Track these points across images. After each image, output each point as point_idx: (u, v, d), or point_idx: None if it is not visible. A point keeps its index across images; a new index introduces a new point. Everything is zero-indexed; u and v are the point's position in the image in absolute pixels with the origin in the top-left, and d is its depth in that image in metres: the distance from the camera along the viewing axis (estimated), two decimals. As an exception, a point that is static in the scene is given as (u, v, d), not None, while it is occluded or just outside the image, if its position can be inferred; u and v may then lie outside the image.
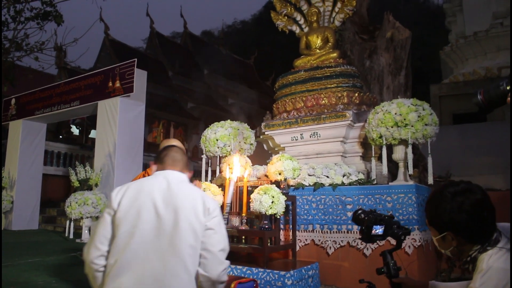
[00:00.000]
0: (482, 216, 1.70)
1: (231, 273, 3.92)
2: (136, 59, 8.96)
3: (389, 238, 1.94)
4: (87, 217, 8.04)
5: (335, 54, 6.40)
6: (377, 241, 4.30)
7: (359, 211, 2.08)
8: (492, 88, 1.79)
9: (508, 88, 1.72)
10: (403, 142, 4.67)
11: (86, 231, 8.08)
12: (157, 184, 1.97)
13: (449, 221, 1.72)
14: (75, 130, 19.42)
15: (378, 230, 2.03)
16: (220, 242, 1.96)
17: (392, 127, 4.63)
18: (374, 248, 4.39)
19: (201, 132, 6.14)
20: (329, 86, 6.03)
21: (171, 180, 2.00)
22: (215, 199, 4.38)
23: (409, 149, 4.62)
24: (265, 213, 3.93)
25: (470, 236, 1.71)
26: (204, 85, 22.08)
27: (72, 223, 8.47)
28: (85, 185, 8.45)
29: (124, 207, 1.88)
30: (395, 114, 4.63)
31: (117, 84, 8.90)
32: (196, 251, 1.89)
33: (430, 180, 4.73)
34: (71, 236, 8.35)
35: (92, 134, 17.84)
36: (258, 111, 15.14)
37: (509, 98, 1.72)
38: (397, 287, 2.06)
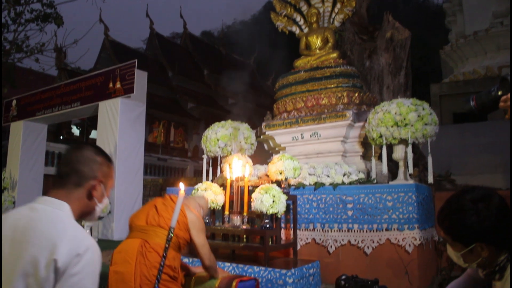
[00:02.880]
0: (507, 219, 1.65)
1: (232, 271, 3.94)
2: (136, 60, 9.00)
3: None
4: (89, 217, 8.06)
5: (335, 55, 6.43)
6: (378, 241, 4.36)
7: (342, 277, 1.96)
8: (483, 94, 1.81)
9: (499, 93, 1.73)
10: (403, 141, 4.70)
11: (87, 231, 8.10)
12: None
13: (480, 231, 1.64)
14: (75, 131, 19.46)
15: None
16: None
17: (392, 126, 4.66)
18: (375, 247, 4.41)
19: (201, 132, 6.17)
20: (329, 86, 6.05)
21: None
22: (217, 198, 4.41)
23: (409, 148, 4.65)
24: (266, 212, 3.96)
25: (501, 242, 1.65)
26: (204, 85, 22.13)
27: (73, 223, 8.50)
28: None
29: None
30: (395, 113, 4.66)
31: (118, 85, 8.93)
32: None
33: (430, 179, 4.76)
34: (73, 236, 8.37)
35: (93, 134, 17.88)
36: (258, 111, 15.16)
37: (501, 103, 1.73)
38: None
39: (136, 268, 2.86)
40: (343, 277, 1.92)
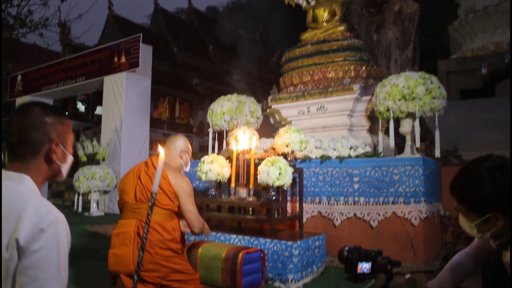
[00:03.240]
0: None
1: (238, 243, 3.96)
2: (141, 34, 8.93)
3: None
4: (95, 191, 8.13)
5: (342, 28, 6.34)
6: (384, 214, 4.36)
7: (345, 248, 1.93)
8: (497, 61, 1.76)
9: None
10: (411, 115, 4.66)
11: (94, 205, 8.18)
12: None
13: (496, 201, 1.60)
14: (81, 107, 19.46)
15: (365, 267, 1.85)
16: None
17: (399, 100, 4.61)
18: (380, 220, 4.42)
19: (206, 108, 6.14)
20: (336, 59, 5.98)
21: None
22: (223, 171, 4.40)
23: (417, 122, 4.61)
24: (272, 184, 3.95)
25: None
26: (209, 61, 21.98)
27: (80, 197, 8.58)
28: (93, 159, 8.52)
29: None
30: (403, 87, 4.61)
31: (123, 59, 8.89)
32: None
33: (437, 154, 4.73)
34: (80, 210, 8.46)
35: (98, 110, 17.88)
36: (264, 88, 15.08)
37: None
38: None
39: (134, 250, 2.85)
40: (346, 248, 1.90)
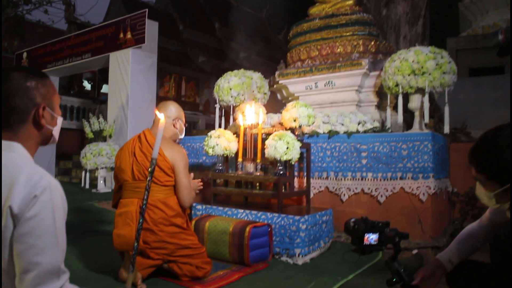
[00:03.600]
0: None
1: (245, 218, 3.96)
2: (147, 9, 8.83)
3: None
4: (102, 168, 8.15)
5: (351, 2, 6.22)
6: (392, 190, 4.34)
7: (351, 219, 1.89)
8: None
9: None
10: (420, 90, 4.59)
11: (101, 182, 8.21)
12: None
13: None
14: (87, 85, 19.42)
15: (371, 238, 1.79)
16: None
17: (409, 75, 4.54)
18: (388, 196, 4.40)
19: (212, 86, 6.08)
20: (344, 34, 5.88)
21: None
22: (231, 145, 4.37)
23: (426, 98, 4.55)
24: (280, 159, 3.92)
25: None
26: (215, 39, 21.79)
27: (88, 174, 8.61)
28: (99, 136, 8.52)
29: None
30: (413, 62, 4.53)
31: (128, 35, 8.80)
32: None
33: (446, 129, 4.68)
34: (87, 187, 8.50)
35: (104, 89, 17.84)
36: (270, 66, 14.96)
37: None
38: None
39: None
40: (353, 219, 1.86)
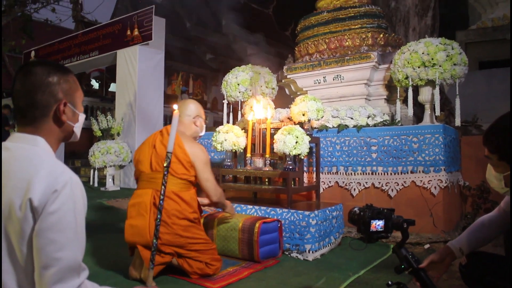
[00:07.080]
0: None
1: (255, 214, 3.92)
2: (154, 6, 8.81)
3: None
4: (110, 166, 8.15)
5: (359, -6, 6.14)
6: (402, 183, 4.27)
7: (355, 208, 1.86)
8: None
9: None
10: (430, 83, 4.52)
11: (110, 180, 8.21)
12: None
13: None
14: (94, 84, 19.50)
15: (378, 224, 1.76)
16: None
17: (419, 67, 4.47)
18: (399, 190, 4.35)
19: (220, 84, 6.05)
20: (353, 27, 5.81)
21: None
22: (239, 140, 4.33)
23: (436, 90, 4.48)
24: (289, 153, 3.87)
25: None
26: (222, 36, 21.76)
27: (96, 172, 8.62)
28: (107, 134, 8.52)
29: None
30: (423, 53, 4.46)
31: (136, 32, 8.80)
32: None
33: (458, 122, 4.61)
34: (96, 185, 8.52)
35: (112, 87, 17.89)
36: (277, 62, 14.90)
37: None
38: (423, 278, 1.77)
39: (151, 220, 2.83)
40: (356, 208, 1.83)
